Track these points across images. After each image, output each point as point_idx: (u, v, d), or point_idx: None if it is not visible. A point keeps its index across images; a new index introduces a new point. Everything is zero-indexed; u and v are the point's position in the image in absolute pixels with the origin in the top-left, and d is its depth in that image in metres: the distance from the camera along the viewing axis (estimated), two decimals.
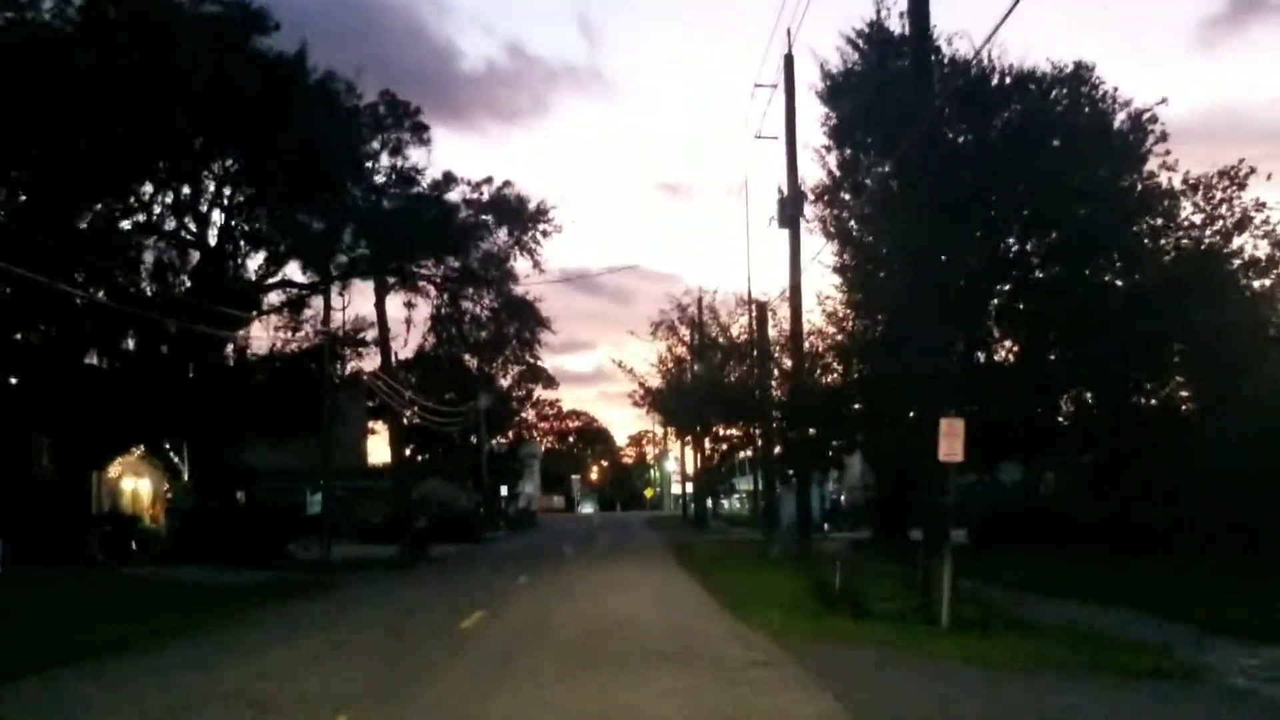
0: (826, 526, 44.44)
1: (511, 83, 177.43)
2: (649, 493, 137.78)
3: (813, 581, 20.23)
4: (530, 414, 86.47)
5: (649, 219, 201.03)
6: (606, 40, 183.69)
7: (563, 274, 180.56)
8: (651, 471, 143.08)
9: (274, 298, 36.75)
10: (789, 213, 30.83)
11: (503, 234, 37.54)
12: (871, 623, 14.69)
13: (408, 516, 38.27)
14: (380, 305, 51.09)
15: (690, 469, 73.20)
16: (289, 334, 35.57)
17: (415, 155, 38.22)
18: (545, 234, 37.75)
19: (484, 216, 36.57)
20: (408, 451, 73.02)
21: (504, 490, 75.88)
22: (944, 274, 16.68)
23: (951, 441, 14.41)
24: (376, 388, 47.89)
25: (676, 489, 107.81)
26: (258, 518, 34.63)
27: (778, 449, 40.59)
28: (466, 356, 49.96)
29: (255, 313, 33.74)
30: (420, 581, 26.13)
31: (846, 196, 34.13)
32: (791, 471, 34.75)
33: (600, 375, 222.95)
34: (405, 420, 68.24)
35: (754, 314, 34.08)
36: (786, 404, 34.86)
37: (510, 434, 77.08)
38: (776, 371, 37.09)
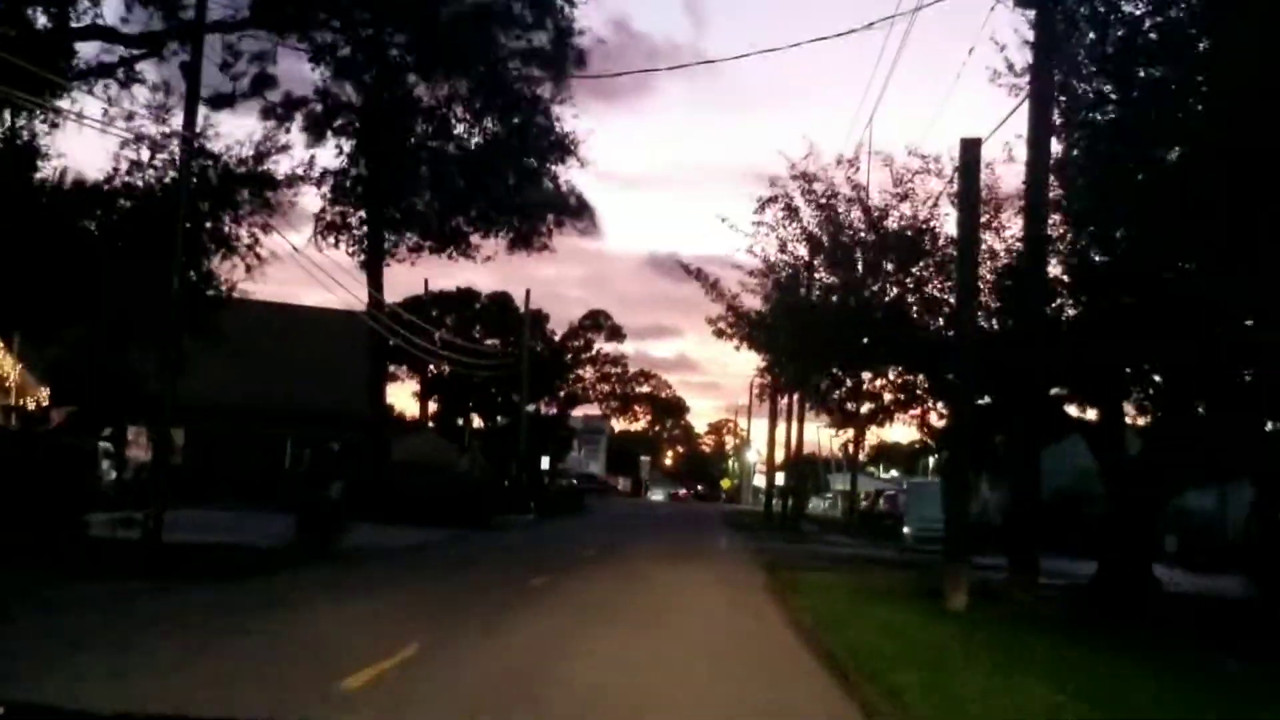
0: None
1: (613, 59, 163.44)
2: (726, 484, 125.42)
3: None
4: (589, 373, 70.66)
5: (747, 208, 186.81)
6: (712, 22, 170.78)
7: (650, 258, 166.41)
8: (730, 462, 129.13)
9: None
10: None
11: None
12: None
13: (323, 481, 22.92)
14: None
15: (781, 450, 57.26)
16: (133, 147, 20.52)
17: None
18: None
19: None
20: (434, 406, 59.09)
21: (545, 463, 60.66)
22: None
23: None
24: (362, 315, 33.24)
25: (759, 481, 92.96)
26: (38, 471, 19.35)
27: (941, 418, 24.86)
28: (425, 198, 32.86)
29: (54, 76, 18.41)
30: (216, 641, 10.92)
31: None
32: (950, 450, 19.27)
33: (683, 363, 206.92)
34: (432, 368, 54.22)
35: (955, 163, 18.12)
36: (1015, 322, 18.58)
37: (562, 393, 61.76)
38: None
